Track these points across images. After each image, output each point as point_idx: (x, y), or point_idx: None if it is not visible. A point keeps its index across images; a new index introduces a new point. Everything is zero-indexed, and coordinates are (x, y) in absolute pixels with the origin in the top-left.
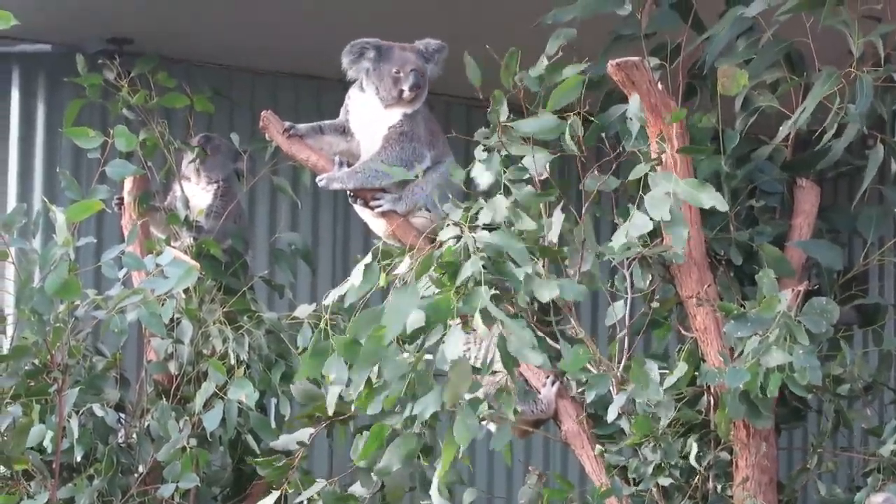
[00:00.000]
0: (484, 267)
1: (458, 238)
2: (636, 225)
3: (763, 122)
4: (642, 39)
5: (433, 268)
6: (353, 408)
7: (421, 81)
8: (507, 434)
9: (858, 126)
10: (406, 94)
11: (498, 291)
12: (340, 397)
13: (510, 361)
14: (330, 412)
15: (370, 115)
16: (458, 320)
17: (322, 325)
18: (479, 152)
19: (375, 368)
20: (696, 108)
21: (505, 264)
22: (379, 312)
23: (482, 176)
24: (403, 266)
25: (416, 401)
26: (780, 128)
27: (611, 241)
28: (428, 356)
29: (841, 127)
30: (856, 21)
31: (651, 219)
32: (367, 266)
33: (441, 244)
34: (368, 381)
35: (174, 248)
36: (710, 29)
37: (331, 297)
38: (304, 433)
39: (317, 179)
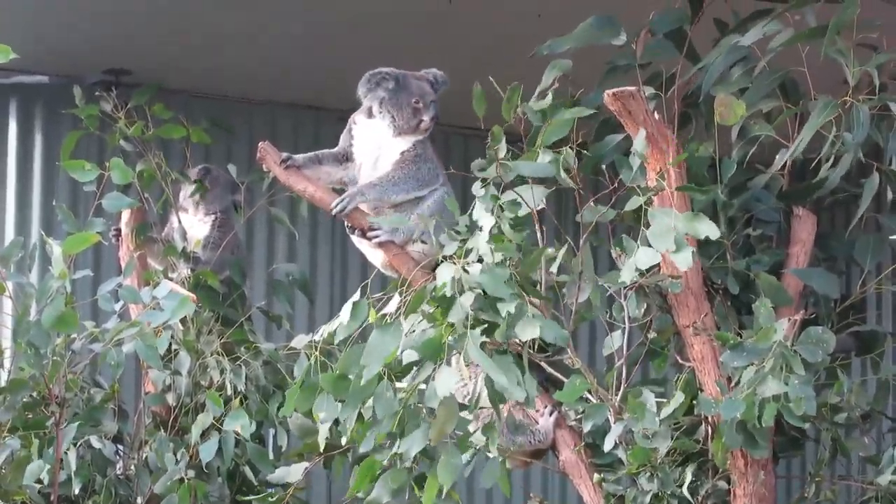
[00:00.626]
0: (478, 304)
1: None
2: (642, 259)
3: (758, 151)
4: (637, 69)
5: (426, 301)
6: (351, 441)
7: (438, 112)
8: (496, 469)
9: (854, 154)
10: (425, 124)
11: (488, 325)
12: (336, 431)
13: (497, 398)
14: (321, 448)
15: (379, 141)
16: (449, 357)
17: (311, 360)
18: (476, 189)
19: (369, 403)
20: (692, 136)
21: (495, 300)
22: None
23: (483, 218)
24: (393, 304)
25: (403, 438)
26: (777, 157)
27: (610, 271)
28: (423, 386)
29: (837, 155)
30: (851, 50)
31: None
32: (355, 304)
33: (435, 278)
34: (360, 416)
35: (171, 279)
36: (705, 58)
37: (320, 333)
38: (300, 467)
39: (333, 204)
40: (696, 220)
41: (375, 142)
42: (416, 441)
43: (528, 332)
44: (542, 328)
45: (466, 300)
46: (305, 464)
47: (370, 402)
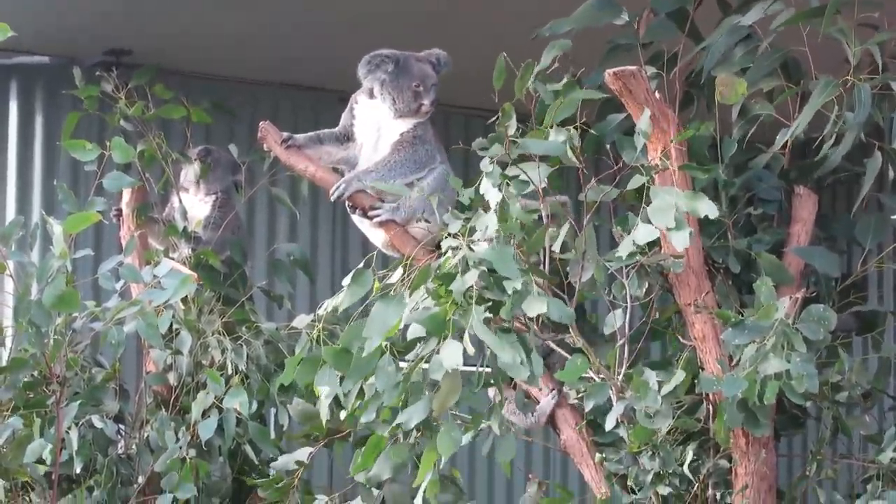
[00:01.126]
0: (483, 281)
1: (456, 250)
2: (641, 234)
3: (759, 130)
4: (639, 49)
5: (431, 279)
6: (352, 424)
7: (437, 96)
8: (511, 446)
9: (856, 134)
10: (425, 107)
11: (492, 303)
12: (337, 410)
13: (500, 375)
14: (323, 422)
15: (380, 122)
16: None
17: (314, 333)
18: (485, 165)
19: (371, 379)
20: (694, 116)
21: (501, 278)
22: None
23: (490, 192)
24: (396, 275)
25: (404, 410)
26: (778, 136)
27: (611, 250)
28: (425, 366)
29: (839, 135)
30: (852, 29)
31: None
32: (357, 272)
33: (440, 255)
34: (361, 391)
35: (172, 259)
36: (708, 38)
37: (325, 307)
38: (303, 453)
39: (331, 191)
40: (696, 198)
41: (376, 123)
42: (417, 412)
43: (535, 308)
44: (549, 305)
45: (471, 276)
46: (309, 448)
47: (372, 378)
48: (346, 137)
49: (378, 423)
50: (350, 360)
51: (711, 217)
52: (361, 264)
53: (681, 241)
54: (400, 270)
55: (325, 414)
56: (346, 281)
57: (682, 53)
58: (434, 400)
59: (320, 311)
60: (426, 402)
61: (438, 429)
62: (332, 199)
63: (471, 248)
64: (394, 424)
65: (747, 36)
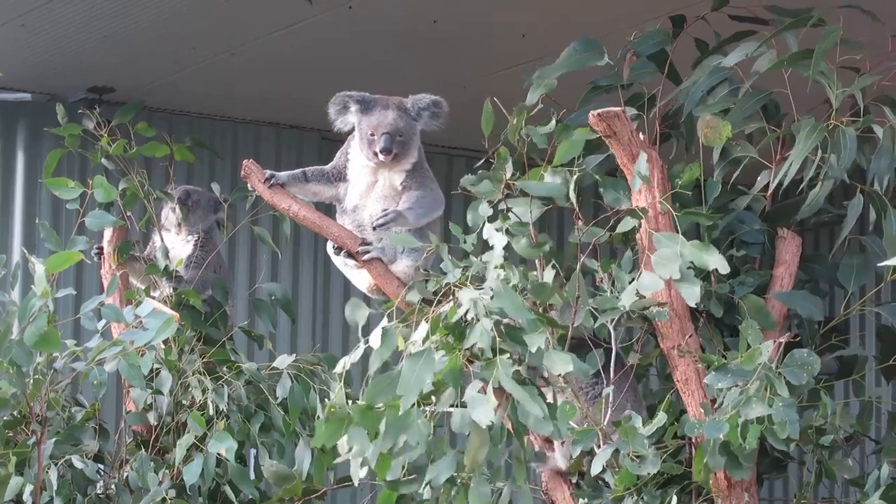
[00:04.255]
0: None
1: (460, 298)
2: (645, 284)
3: (739, 171)
4: (619, 90)
5: (439, 329)
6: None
7: (391, 145)
8: (529, 501)
9: (839, 177)
10: (379, 157)
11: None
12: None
13: (521, 428)
14: (355, 483)
15: (371, 168)
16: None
17: (337, 391)
18: (484, 209)
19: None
20: (673, 157)
21: (518, 332)
22: (395, 378)
23: (494, 237)
24: (421, 332)
25: (431, 465)
26: (759, 178)
27: (592, 291)
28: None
29: (821, 177)
30: (835, 72)
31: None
32: (385, 330)
33: (444, 303)
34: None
35: (154, 298)
36: (688, 79)
37: (342, 365)
38: None
39: (374, 222)
40: (704, 250)
41: (369, 168)
42: (446, 467)
43: (560, 366)
44: (575, 364)
45: (488, 324)
46: None
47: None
48: (338, 177)
49: (400, 480)
50: (376, 417)
51: (722, 272)
52: (384, 320)
53: (692, 295)
54: (424, 326)
55: (356, 473)
56: (375, 341)
57: (661, 94)
58: (465, 455)
59: (337, 370)
60: (453, 458)
61: (462, 484)
62: (376, 225)
63: (481, 298)
64: (424, 481)
65: (727, 77)
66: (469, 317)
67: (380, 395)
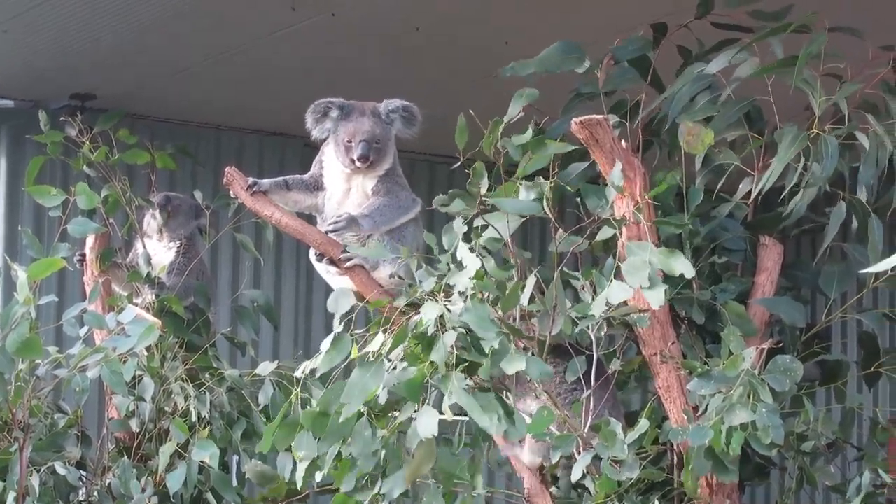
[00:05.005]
0: (461, 343)
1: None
2: (615, 293)
3: (719, 178)
4: (602, 97)
5: (408, 339)
6: (311, 485)
7: (368, 151)
8: None
9: (821, 185)
10: (357, 164)
11: (469, 363)
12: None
13: (481, 435)
14: (299, 487)
15: (345, 174)
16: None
17: (293, 397)
18: (458, 225)
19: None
20: (656, 164)
21: (478, 339)
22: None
23: (468, 258)
24: (377, 342)
25: (385, 479)
26: (741, 185)
27: (573, 298)
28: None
29: (803, 184)
30: (818, 79)
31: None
32: (336, 337)
33: (415, 314)
34: (339, 455)
35: (136, 304)
36: (670, 87)
37: (302, 370)
38: None
39: (330, 225)
40: (671, 256)
41: (343, 174)
42: (399, 482)
43: (514, 366)
44: (528, 363)
45: (449, 338)
46: None
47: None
48: (316, 186)
49: (357, 489)
50: (327, 424)
51: (688, 276)
52: (340, 326)
53: (656, 299)
54: (380, 337)
55: (299, 479)
56: (325, 346)
57: (644, 101)
58: (407, 468)
59: (297, 374)
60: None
61: (419, 495)
62: (328, 230)
63: (448, 310)
64: (374, 491)
65: (710, 85)
66: (430, 331)
67: (333, 401)
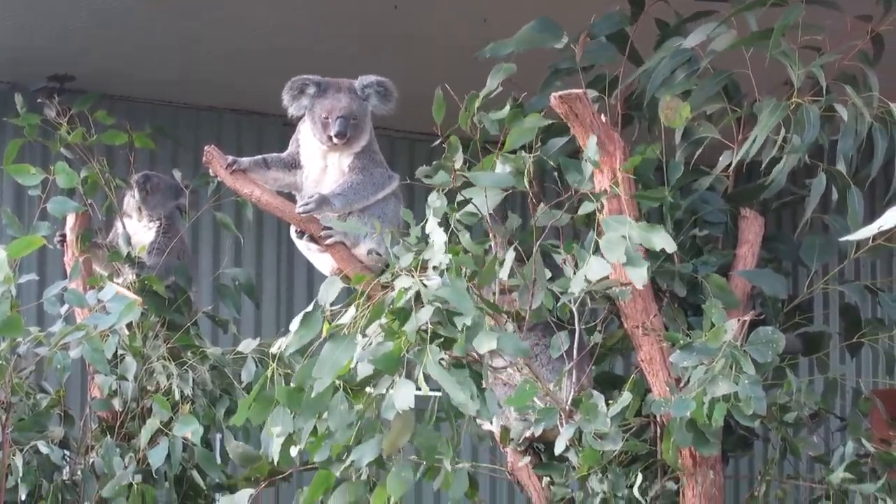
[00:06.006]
0: (437, 318)
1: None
2: (594, 269)
3: (700, 151)
4: (580, 72)
5: (384, 314)
6: (291, 463)
7: (346, 128)
8: (464, 483)
9: (801, 155)
10: (334, 140)
11: (444, 339)
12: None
13: (453, 412)
14: (276, 463)
15: (321, 152)
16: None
17: (268, 372)
18: (432, 200)
19: (326, 416)
20: (636, 138)
21: (454, 314)
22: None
23: (436, 233)
24: (348, 315)
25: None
26: (721, 158)
27: (556, 273)
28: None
29: (783, 156)
30: (796, 51)
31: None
32: (306, 315)
33: (392, 289)
34: (315, 429)
35: (117, 284)
36: (649, 60)
37: (277, 347)
38: (244, 495)
39: (298, 207)
40: (650, 230)
41: (320, 150)
42: (369, 450)
43: (486, 345)
44: (501, 340)
45: (424, 314)
46: (250, 490)
47: (327, 414)
48: (294, 164)
49: (331, 460)
50: (302, 399)
51: (669, 251)
52: (311, 307)
53: (639, 277)
54: (352, 311)
55: (276, 455)
56: (294, 324)
57: (622, 76)
58: (384, 439)
59: (272, 351)
60: (378, 441)
61: (390, 467)
62: (299, 211)
63: (424, 285)
64: (347, 462)
65: (689, 59)
66: (404, 305)
67: (309, 377)
